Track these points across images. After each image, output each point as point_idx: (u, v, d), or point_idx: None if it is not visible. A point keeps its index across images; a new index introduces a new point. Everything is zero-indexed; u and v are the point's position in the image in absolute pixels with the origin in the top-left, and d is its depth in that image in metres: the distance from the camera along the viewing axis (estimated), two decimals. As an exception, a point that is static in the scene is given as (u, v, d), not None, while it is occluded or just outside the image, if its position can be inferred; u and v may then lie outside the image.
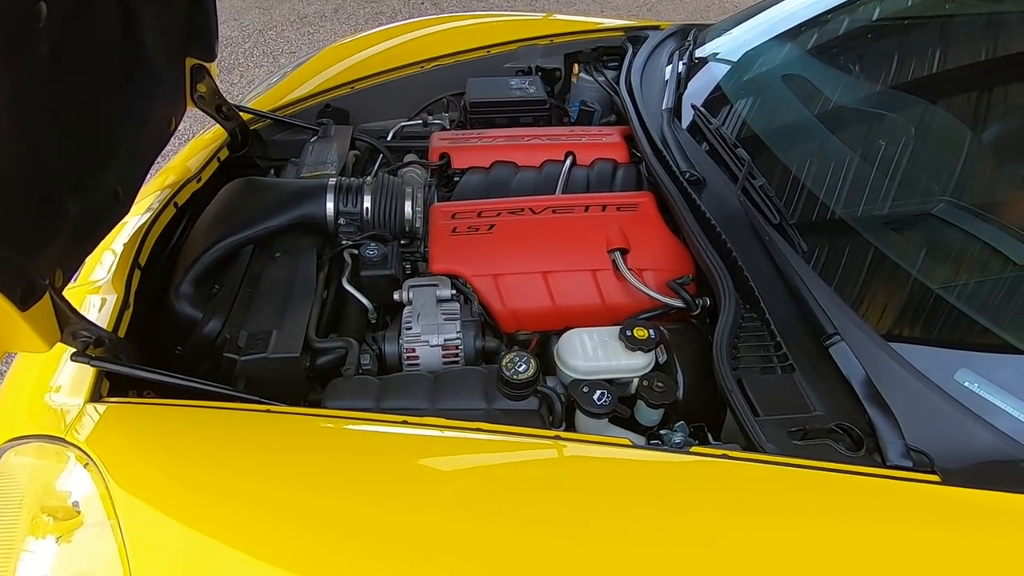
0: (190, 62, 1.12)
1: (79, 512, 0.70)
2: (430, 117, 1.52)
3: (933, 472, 0.70)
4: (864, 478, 0.69)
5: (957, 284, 0.85)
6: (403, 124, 1.48)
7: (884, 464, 0.71)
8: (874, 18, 1.31)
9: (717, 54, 1.46)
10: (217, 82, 1.18)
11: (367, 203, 1.09)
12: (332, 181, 1.11)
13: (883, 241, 0.91)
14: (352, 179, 1.13)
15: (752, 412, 0.76)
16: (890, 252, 0.89)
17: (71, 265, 0.80)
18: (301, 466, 0.73)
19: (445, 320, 0.96)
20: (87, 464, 0.71)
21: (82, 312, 0.78)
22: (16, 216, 0.66)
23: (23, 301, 0.64)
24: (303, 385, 0.90)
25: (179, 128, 1.13)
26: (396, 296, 1.01)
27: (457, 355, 0.95)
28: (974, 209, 0.88)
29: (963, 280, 0.86)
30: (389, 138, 1.44)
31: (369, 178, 1.14)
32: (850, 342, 0.81)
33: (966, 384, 0.75)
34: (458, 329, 0.95)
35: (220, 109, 1.24)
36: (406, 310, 0.98)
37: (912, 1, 1.32)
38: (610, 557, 0.64)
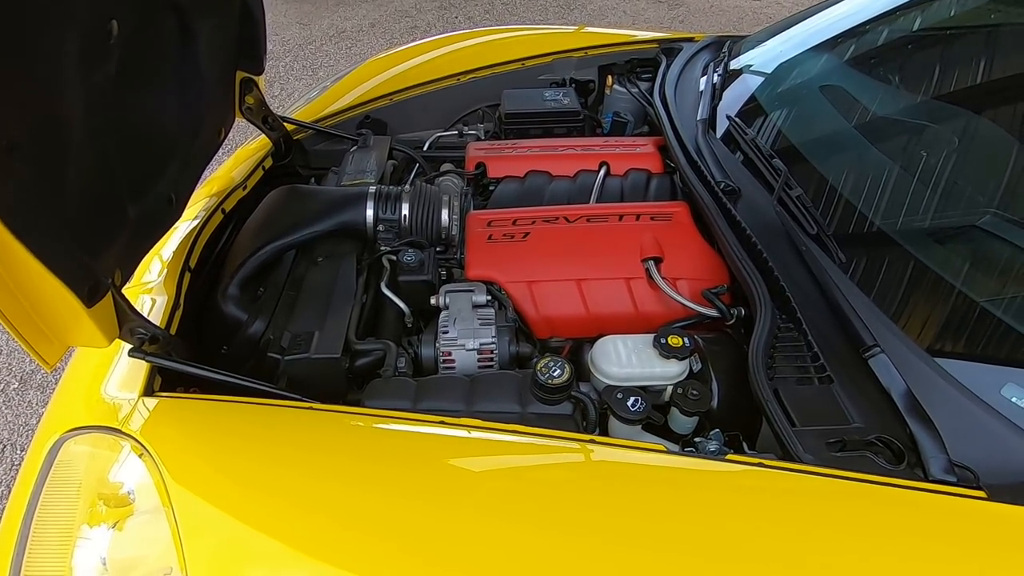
0: (240, 75, 1.18)
1: (132, 501, 0.73)
2: (465, 128, 1.55)
3: (979, 488, 0.68)
4: (905, 491, 0.68)
5: (1004, 297, 0.83)
6: (439, 135, 1.51)
7: (926, 479, 0.70)
8: (915, 28, 1.29)
9: (752, 65, 1.46)
10: (264, 94, 1.24)
11: (405, 210, 1.12)
12: (372, 189, 1.14)
13: (925, 253, 0.90)
14: (391, 187, 1.16)
15: (789, 422, 0.76)
16: (932, 264, 0.87)
17: (129, 266, 0.85)
18: (340, 463, 0.75)
19: (481, 325, 0.97)
20: (142, 454, 0.74)
21: None
22: (86, 219, 0.70)
23: (89, 298, 0.68)
24: (343, 385, 0.93)
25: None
26: (433, 301, 1.03)
27: (492, 359, 0.97)
28: (1022, 222, 0.86)
29: (1011, 293, 0.84)
30: (425, 148, 1.47)
31: (407, 186, 1.17)
32: (890, 354, 0.79)
33: (1014, 399, 0.74)
34: (493, 334, 0.97)
35: (266, 120, 1.29)
36: (443, 314, 1.00)
37: (955, 11, 1.30)
38: (642, 563, 0.64)
